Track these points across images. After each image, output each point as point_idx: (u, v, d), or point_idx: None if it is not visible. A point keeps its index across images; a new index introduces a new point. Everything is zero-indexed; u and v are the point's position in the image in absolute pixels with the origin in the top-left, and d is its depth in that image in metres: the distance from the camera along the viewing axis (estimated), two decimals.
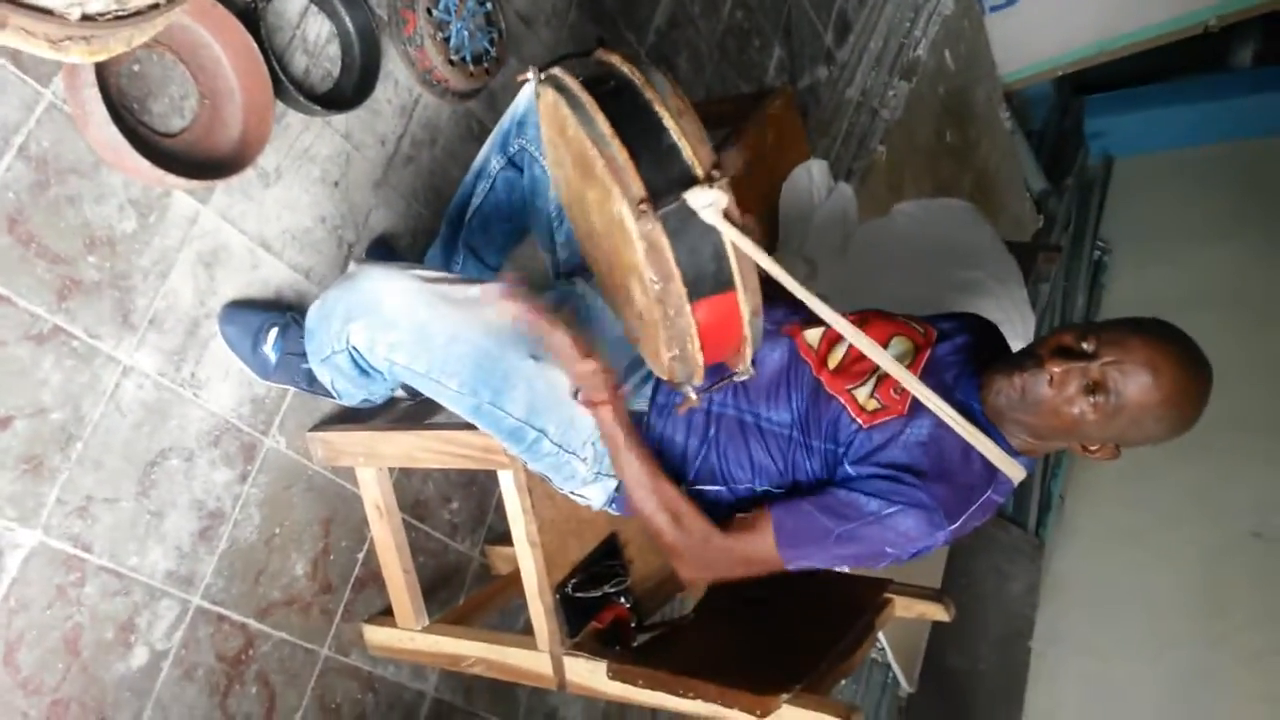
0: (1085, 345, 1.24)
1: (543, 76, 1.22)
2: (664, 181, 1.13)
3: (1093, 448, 1.31)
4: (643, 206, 1.11)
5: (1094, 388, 1.22)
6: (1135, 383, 1.21)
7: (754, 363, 1.29)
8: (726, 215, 1.14)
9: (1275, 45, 4.60)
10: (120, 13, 0.82)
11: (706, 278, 1.17)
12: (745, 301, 1.20)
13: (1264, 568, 3.45)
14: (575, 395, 1.39)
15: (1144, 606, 3.52)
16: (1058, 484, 3.89)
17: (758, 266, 1.19)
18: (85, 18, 0.81)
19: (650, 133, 1.14)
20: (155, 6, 0.86)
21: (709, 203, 1.12)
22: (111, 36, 0.86)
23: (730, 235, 1.15)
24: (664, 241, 1.13)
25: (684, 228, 1.14)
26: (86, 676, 1.47)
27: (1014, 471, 1.35)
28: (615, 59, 1.21)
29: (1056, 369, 1.24)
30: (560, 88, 1.19)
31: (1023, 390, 1.28)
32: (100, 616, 1.48)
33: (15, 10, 0.76)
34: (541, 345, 1.38)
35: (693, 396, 1.30)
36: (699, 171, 1.14)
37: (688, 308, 1.17)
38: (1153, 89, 4.79)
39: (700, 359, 1.23)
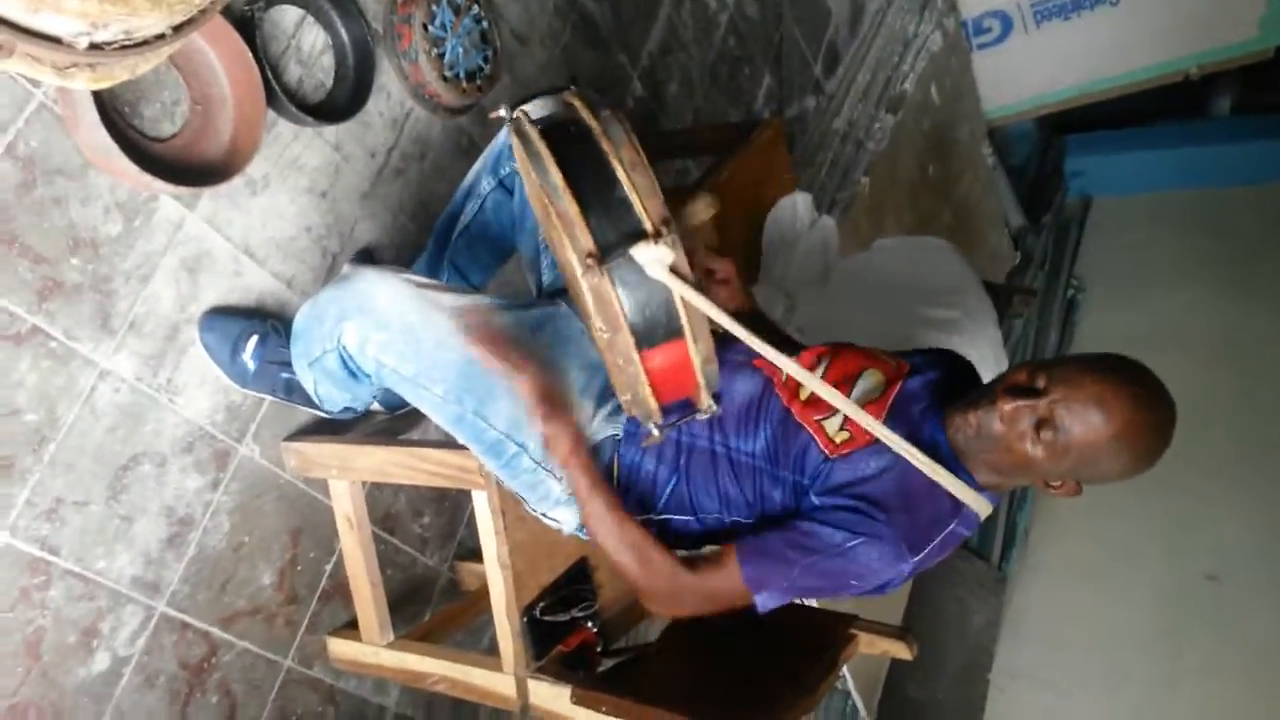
0: (1037, 383, 1.26)
1: (514, 115, 1.24)
2: (614, 235, 1.15)
3: (1054, 484, 1.32)
4: (589, 260, 1.13)
5: (1043, 424, 1.24)
6: (1083, 420, 1.22)
7: (718, 398, 1.32)
8: (675, 269, 1.16)
9: (1253, 96, 4.71)
10: (127, 42, 0.83)
11: (657, 328, 1.19)
12: (696, 351, 1.23)
13: (1217, 610, 3.51)
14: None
15: (1102, 643, 3.56)
16: (1023, 518, 3.93)
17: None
18: (93, 46, 0.81)
19: (602, 185, 1.16)
20: (161, 36, 0.86)
21: (654, 259, 1.15)
22: (117, 65, 0.86)
23: (678, 290, 1.17)
24: (611, 294, 1.16)
25: (633, 280, 1.16)
26: (46, 681, 1.45)
27: (979, 506, 1.36)
28: (578, 104, 1.22)
29: (1007, 406, 1.26)
30: (521, 134, 1.20)
31: (978, 427, 1.30)
32: (63, 621, 1.47)
33: (23, 38, 0.76)
34: (542, 359, 1.39)
35: (655, 433, 1.33)
36: (648, 226, 1.16)
37: (636, 357, 1.20)
38: (1133, 132, 4.88)
39: (653, 404, 1.26)
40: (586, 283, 1.14)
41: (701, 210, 1.55)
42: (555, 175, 1.15)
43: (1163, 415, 1.25)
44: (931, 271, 2.41)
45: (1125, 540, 3.66)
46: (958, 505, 1.35)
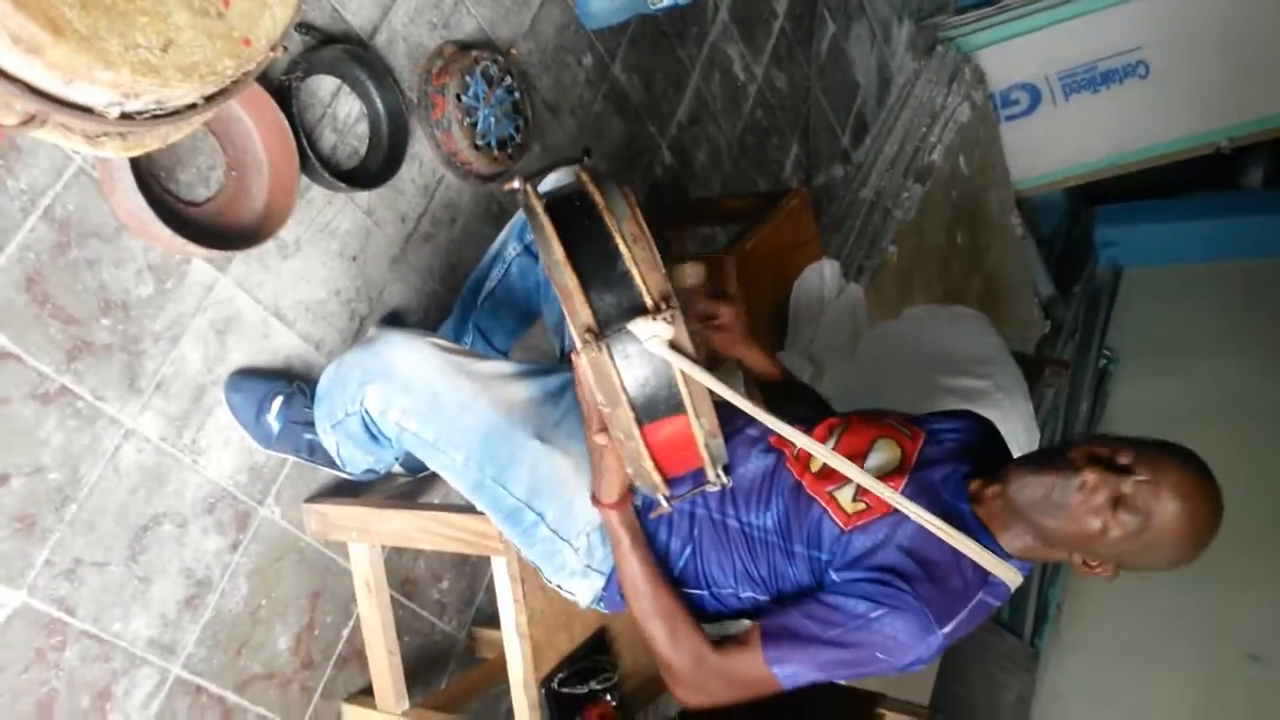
0: (1121, 459, 1.22)
1: (521, 189, 1.24)
2: (614, 309, 1.14)
3: (1094, 564, 1.29)
4: (588, 335, 1.13)
5: (1122, 502, 1.21)
6: (1164, 507, 1.20)
7: (728, 470, 1.30)
8: (675, 344, 1.15)
9: None
10: (158, 112, 0.85)
11: (658, 403, 1.18)
12: (699, 426, 1.21)
13: (1259, 691, 3.39)
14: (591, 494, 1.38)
15: None
16: (1055, 593, 3.84)
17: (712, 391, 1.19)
18: (124, 116, 0.83)
19: (604, 259, 1.15)
20: (193, 107, 0.88)
21: (653, 334, 1.13)
22: (148, 134, 0.88)
23: (678, 364, 1.15)
24: (611, 369, 1.15)
25: (633, 355, 1.15)
26: None
27: (1008, 575, 1.32)
28: (584, 177, 1.22)
29: (1091, 476, 1.21)
30: (527, 208, 1.21)
31: (1050, 490, 1.25)
32: (77, 682, 1.46)
33: (56, 108, 0.78)
34: (563, 426, 1.38)
35: (664, 505, 1.30)
36: (648, 301, 1.14)
37: (637, 431, 1.18)
38: (1164, 203, 4.86)
39: (657, 477, 1.24)
40: (586, 356, 1.14)
41: (687, 276, 1.61)
42: (557, 248, 1.15)
43: (1220, 514, 1.24)
44: (961, 341, 2.40)
45: (1162, 618, 3.55)
46: (985, 574, 1.31)
